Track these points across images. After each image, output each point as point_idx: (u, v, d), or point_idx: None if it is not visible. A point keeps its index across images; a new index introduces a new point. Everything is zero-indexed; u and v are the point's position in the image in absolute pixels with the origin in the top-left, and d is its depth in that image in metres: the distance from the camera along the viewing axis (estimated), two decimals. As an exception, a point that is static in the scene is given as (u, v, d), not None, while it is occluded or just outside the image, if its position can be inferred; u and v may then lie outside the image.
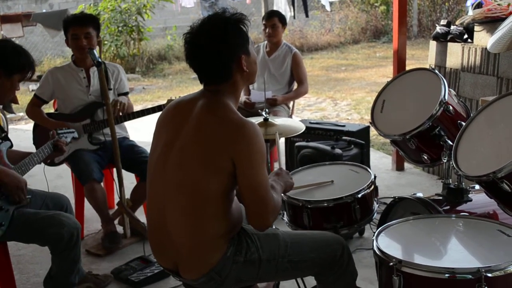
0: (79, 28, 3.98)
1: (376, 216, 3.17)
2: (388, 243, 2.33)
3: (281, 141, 5.29)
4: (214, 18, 2.33)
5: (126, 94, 4.27)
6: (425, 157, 3.03)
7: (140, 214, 4.17)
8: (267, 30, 5.39)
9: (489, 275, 2.00)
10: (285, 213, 3.15)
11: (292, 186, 2.66)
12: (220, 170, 2.24)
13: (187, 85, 11.38)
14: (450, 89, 3.06)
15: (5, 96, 3.14)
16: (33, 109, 4.23)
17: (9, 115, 8.01)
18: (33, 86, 11.28)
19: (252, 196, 2.24)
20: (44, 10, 14.17)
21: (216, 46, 2.27)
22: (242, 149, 2.22)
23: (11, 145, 3.28)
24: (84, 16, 4.16)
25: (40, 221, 3.10)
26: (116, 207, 4.16)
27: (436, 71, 3.15)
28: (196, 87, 10.92)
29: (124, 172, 4.09)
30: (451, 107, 2.94)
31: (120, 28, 12.84)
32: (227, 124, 2.26)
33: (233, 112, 2.30)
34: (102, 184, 4.07)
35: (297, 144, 4.38)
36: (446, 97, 2.93)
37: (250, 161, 2.22)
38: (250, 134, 2.23)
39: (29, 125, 8.02)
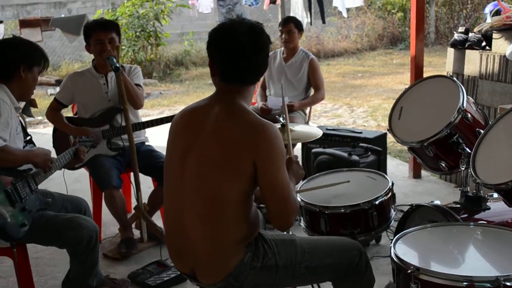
0: (104, 34, 4.01)
1: (393, 224, 3.17)
2: (405, 250, 2.33)
3: (298, 147, 5.29)
4: (253, 26, 2.36)
5: (138, 85, 4.24)
6: (443, 165, 3.02)
7: (157, 219, 4.19)
8: (283, 36, 5.40)
9: (508, 283, 2.00)
10: (301, 218, 3.15)
11: (303, 176, 2.67)
12: (240, 173, 2.26)
13: (203, 91, 11.41)
14: (468, 97, 3.05)
15: (30, 89, 3.25)
16: (53, 113, 4.26)
17: (28, 119, 8.08)
18: (52, 90, 11.39)
19: (274, 195, 2.27)
20: (62, 15, 14.30)
21: (259, 52, 2.35)
22: (264, 150, 2.24)
23: None
24: (108, 21, 4.20)
25: (59, 224, 3.14)
26: (133, 211, 4.18)
27: (454, 79, 3.14)
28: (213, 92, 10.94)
29: (141, 176, 4.11)
30: (469, 115, 2.94)
31: (137, 33, 12.92)
32: (247, 126, 2.28)
33: (251, 113, 2.33)
34: (120, 190, 4.10)
35: (314, 150, 4.37)
36: (465, 105, 2.93)
37: (272, 161, 2.25)
38: (271, 135, 2.27)
39: (47, 129, 8.11)
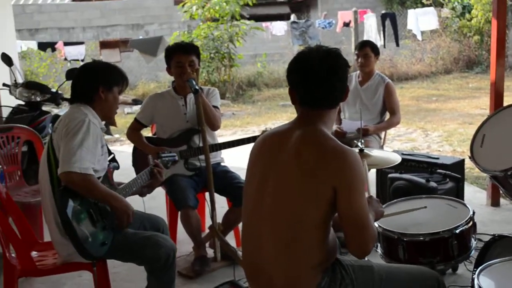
0: (184, 56, 4.12)
1: (473, 253, 3.09)
2: (489, 283, 2.28)
3: (372, 170, 5.24)
4: (329, 52, 2.39)
5: (215, 107, 4.30)
6: (528, 195, 2.94)
7: (231, 238, 4.23)
8: (359, 60, 5.38)
9: None
10: (379, 245, 3.12)
11: (383, 214, 2.66)
12: (320, 198, 2.26)
13: (275, 112, 11.50)
14: (555, 125, 2.97)
15: (112, 109, 3.33)
16: (133, 133, 4.39)
17: (106, 137, 8.35)
18: (128, 109, 11.74)
19: (354, 222, 2.27)
20: (140, 37, 14.79)
21: (333, 76, 2.36)
22: (345, 176, 2.24)
23: (118, 167, 3.42)
24: (188, 44, 4.32)
25: (138, 242, 3.21)
26: (207, 230, 4.23)
27: (540, 107, 3.06)
28: (285, 114, 11.02)
29: (216, 196, 4.16)
30: (556, 144, 2.85)
31: (212, 55, 13.18)
32: (328, 152, 2.29)
33: (333, 139, 2.34)
34: (196, 210, 4.15)
35: (390, 175, 4.31)
36: (551, 134, 2.84)
37: (353, 188, 2.25)
38: (353, 161, 2.27)
39: (124, 147, 8.35)
